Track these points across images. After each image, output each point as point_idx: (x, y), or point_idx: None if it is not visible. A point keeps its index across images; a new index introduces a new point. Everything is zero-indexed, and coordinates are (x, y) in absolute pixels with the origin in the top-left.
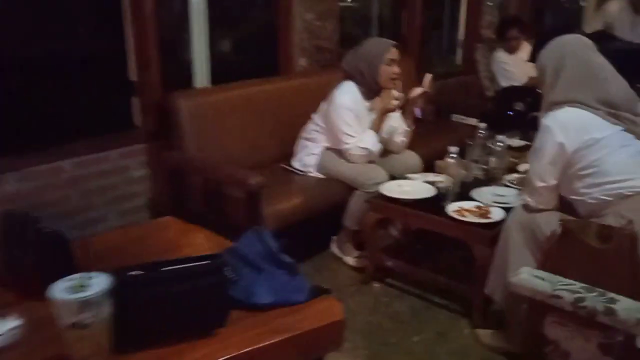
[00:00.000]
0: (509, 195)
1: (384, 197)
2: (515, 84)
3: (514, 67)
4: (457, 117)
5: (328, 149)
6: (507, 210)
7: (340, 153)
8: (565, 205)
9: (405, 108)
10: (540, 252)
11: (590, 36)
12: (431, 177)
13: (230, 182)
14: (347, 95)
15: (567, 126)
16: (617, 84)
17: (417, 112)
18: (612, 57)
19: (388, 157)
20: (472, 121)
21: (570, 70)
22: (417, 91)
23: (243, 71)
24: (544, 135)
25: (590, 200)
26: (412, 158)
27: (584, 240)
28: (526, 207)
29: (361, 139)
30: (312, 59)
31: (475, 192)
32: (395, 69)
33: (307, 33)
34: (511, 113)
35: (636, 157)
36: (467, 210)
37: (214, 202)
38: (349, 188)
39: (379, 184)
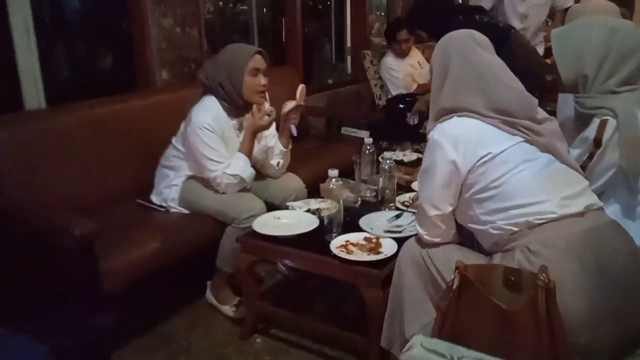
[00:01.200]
0: (403, 221)
1: (257, 234)
2: (404, 91)
3: (401, 73)
4: (347, 130)
5: (191, 177)
6: (402, 241)
7: (206, 182)
8: (467, 235)
9: (281, 125)
10: (438, 307)
11: (455, 8)
12: (314, 203)
13: (53, 233)
14: (207, 113)
15: (457, 140)
16: (511, 87)
17: (293, 129)
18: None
19: (265, 183)
20: (363, 134)
21: (456, 70)
22: (289, 105)
23: (91, 88)
24: (432, 152)
25: (493, 231)
26: (294, 182)
27: (487, 296)
28: (420, 240)
29: (229, 164)
30: (175, 71)
31: (365, 220)
32: (262, 79)
33: (167, 42)
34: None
35: (542, 174)
36: (354, 244)
37: (42, 261)
38: (220, 224)
39: (254, 217)
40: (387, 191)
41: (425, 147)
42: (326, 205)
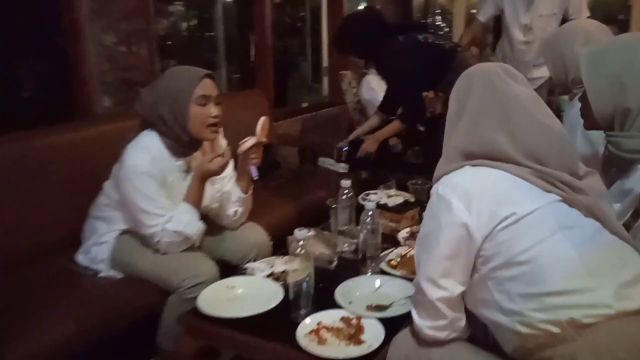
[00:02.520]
0: (390, 289)
1: (202, 315)
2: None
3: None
4: (324, 162)
5: (126, 232)
6: (389, 323)
7: (143, 239)
8: (480, 329)
9: (239, 167)
10: None
11: (390, 28)
12: (279, 264)
13: None
14: (144, 154)
15: (470, 195)
16: (545, 127)
17: (254, 171)
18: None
19: (219, 237)
20: (342, 167)
21: (475, 101)
22: (248, 143)
23: (17, 117)
24: (436, 212)
25: (521, 328)
26: (255, 235)
27: None
28: (417, 335)
29: (171, 217)
30: (119, 97)
31: (342, 290)
32: (212, 109)
33: (109, 62)
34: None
35: (588, 248)
36: (329, 329)
37: None
38: (162, 291)
39: (202, 284)
40: (369, 247)
41: (428, 204)
42: (294, 266)
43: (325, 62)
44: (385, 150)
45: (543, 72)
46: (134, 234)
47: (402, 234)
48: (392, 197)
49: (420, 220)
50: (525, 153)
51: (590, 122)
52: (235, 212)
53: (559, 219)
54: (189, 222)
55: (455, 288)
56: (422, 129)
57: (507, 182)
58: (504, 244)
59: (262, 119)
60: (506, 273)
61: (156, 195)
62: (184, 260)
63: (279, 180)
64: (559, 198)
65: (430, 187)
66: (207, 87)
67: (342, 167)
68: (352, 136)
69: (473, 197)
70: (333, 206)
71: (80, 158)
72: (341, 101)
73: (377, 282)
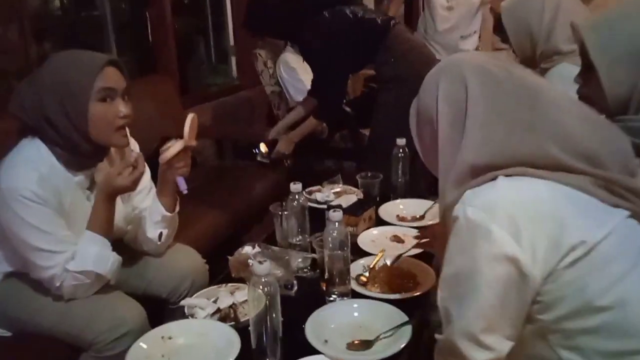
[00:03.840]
0: (371, 317)
1: None
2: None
3: (306, 74)
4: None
5: (11, 275)
6: None
7: (38, 282)
8: None
9: (161, 178)
10: None
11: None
12: (224, 297)
13: None
14: (26, 171)
15: (517, 219)
16: (587, 116)
17: (181, 183)
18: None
19: (141, 266)
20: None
21: (480, 100)
22: (174, 148)
23: None
24: (469, 245)
25: None
26: (188, 259)
27: None
28: None
29: (74, 253)
30: None
31: (313, 326)
32: (120, 106)
33: None
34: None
35: None
36: None
37: None
38: (69, 349)
39: (127, 335)
40: (335, 264)
41: (452, 233)
42: (243, 297)
43: (231, 40)
44: (310, 136)
45: (474, 44)
46: (24, 276)
47: (363, 239)
48: (340, 194)
49: (377, 220)
50: (576, 153)
51: (600, 107)
52: (160, 235)
53: (638, 244)
54: (98, 257)
55: (503, 346)
56: (348, 109)
57: (563, 198)
58: (573, 285)
59: (190, 116)
60: (579, 324)
61: (50, 227)
62: (98, 306)
63: (198, 182)
64: (628, 213)
65: (381, 179)
66: (111, 77)
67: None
68: (273, 132)
69: (521, 221)
70: (279, 214)
71: None
72: (254, 83)
73: (353, 309)
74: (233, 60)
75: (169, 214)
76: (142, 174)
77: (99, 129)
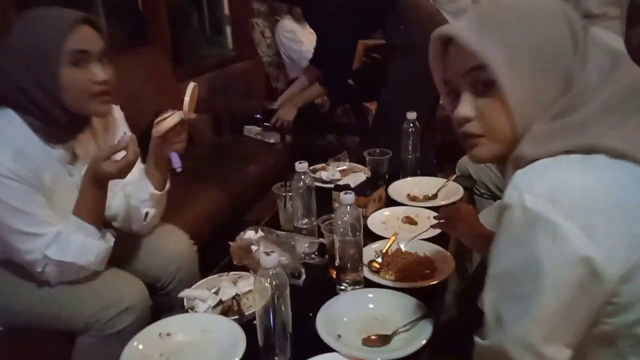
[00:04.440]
0: (386, 308)
1: None
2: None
3: (305, 41)
4: (250, 131)
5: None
6: None
7: (22, 268)
8: None
9: (153, 153)
10: None
11: None
12: (227, 287)
13: None
14: (1, 148)
15: (590, 210)
16: None
17: (175, 159)
18: None
19: (123, 246)
20: (273, 136)
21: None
22: (170, 120)
23: None
24: (528, 239)
25: None
26: (174, 242)
27: None
28: None
29: (57, 236)
30: None
31: (325, 319)
32: (97, 70)
33: None
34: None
35: None
36: None
37: None
38: (65, 336)
39: (127, 311)
40: (347, 251)
41: (503, 224)
42: (247, 287)
43: (226, 9)
44: (311, 110)
45: None
46: (9, 264)
47: (373, 220)
48: (347, 172)
49: (387, 200)
50: None
51: None
52: (146, 214)
53: None
54: (81, 247)
55: (563, 355)
56: (350, 82)
57: None
58: None
59: (191, 85)
60: None
61: (29, 207)
62: (92, 283)
63: (194, 160)
64: None
65: (390, 156)
66: (84, 38)
67: (272, 137)
68: (278, 102)
69: (593, 212)
70: (283, 195)
71: None
72: (250, 55)
73: (368, 300)
74: (228, 30)
75: (157, 192)
76: (131, 164)
77: (73, 96)
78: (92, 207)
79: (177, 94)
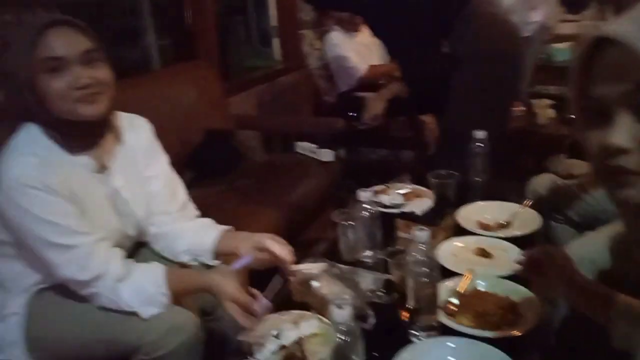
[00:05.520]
0: None
1: None
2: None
3: (352, 52)
4: (303, 148)
5: (44, 290)
6: None
7: (69, 292)
8: None
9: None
10: None
11: None
12: (289, 330)
13: None
14: (24, 158)
15: None
16: None
17: (240, 261)
18: None
19: None
20: (325, 155)
21: None
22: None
23: None
24: None
25: None
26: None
27: None
28: None
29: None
30: None
31: None
32: (79, 74)
33: None
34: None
35: None
36: None
37: None
38: None
39: (173, 333)
40: (421, 294)
41: None
42: (310, 329)
43: (273, 21)
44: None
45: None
46: (59, 289)
47: (443, 252)
48: (410, 197)
49: (455, 229)
50: None
51: None
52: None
53: None
54: (147, 298)
55: None
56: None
57: None
58: None
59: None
60: None
61: (59, 217)
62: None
63: (246, 179)
64: None
65: (458, 180)
66: (57, 43)
67: (326, 154)
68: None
69: None
70: (345, 224)
71: None
72: (299, 67)
73: (448, 351)
74: (275, 41)
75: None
76: (248, 319)
77: (58, 104)
78: (181, 285)
79: (226, 109)
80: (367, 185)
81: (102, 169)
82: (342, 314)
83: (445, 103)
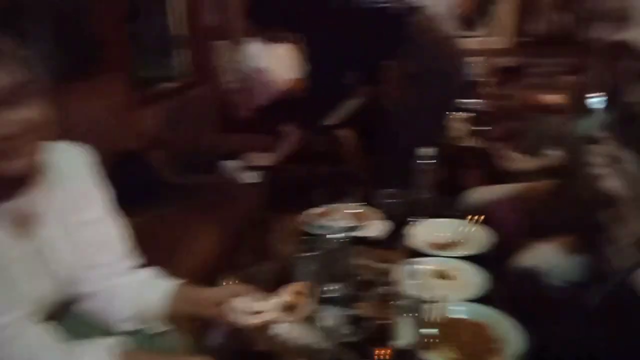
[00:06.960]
0: None
1: None
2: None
3: (273, 63)
4: (227, 168)
5: None
6: None
7: None
8: None
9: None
10: None
11: None
12: None
13: None
14: None
15: None
16: None
17: None
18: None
19: None
20: (251, 176)
21: None
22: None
23: None
24: None
25: None
26: None
27: None
28: None
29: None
30: None
31: None
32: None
33: None
34: None
35: None
36: None
37: None
38: None
39: None
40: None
41: None
42: None
43: (175, 28)
44: None
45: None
46: None
47: (406, 280)
48: (360, 217)
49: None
50: None
51: None
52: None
53: None
54: None
55: None
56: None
57: None
58: None
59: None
60: None
61: None
62: None
63: (170, 206)
64: None
65: (408, 201)
66: None
67: (251, 176)
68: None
69: None
70: (300, 257)
71: None
72: (207, 80)
73: None
74: (181, 53)
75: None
76: None
77: None
78: None
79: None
80: (300, 206)
81: (25, 221)
82: None
83: (380, 120)
